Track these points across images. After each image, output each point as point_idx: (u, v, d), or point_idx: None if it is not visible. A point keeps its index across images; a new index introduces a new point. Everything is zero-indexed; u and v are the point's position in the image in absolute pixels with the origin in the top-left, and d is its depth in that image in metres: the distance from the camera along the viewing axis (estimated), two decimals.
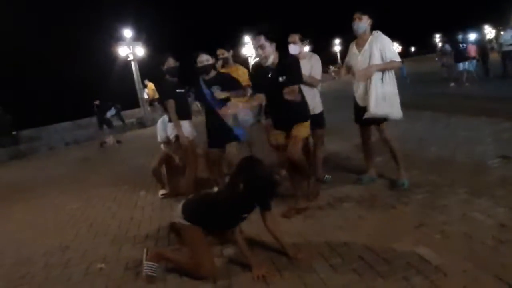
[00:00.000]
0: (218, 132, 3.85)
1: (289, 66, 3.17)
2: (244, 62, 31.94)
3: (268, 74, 3.21)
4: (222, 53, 4.53)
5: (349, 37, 3.78)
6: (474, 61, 12.31)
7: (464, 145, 4.69)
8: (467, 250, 2.32)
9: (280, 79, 3.13)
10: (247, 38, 32.34)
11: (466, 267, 2.14)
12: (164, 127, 4.49)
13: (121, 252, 3.21)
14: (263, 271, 2.42)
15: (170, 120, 4.13)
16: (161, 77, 4.12)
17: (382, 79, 3.45)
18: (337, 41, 49.64)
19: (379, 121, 3.55)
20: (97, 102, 11.81)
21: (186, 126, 4.08)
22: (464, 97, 9.28)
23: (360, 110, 3.63)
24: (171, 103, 3.95)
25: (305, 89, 3.57)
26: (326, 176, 4.16)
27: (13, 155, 12.39)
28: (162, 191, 4.64)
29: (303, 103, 3.34)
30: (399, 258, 2.36)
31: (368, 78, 3.44)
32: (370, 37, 3.50)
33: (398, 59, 3.50)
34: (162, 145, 4.68)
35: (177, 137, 4.08)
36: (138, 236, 3.51)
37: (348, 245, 2.63)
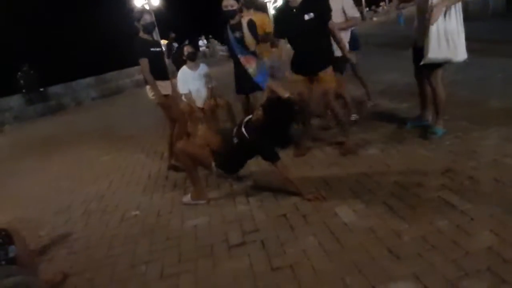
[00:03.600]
0: (242, 79, 3.90)
1: (315, 2, 3.01)
2: (262, 7, 30.54)
3: (294, 14, 3.08)
4: (231, 4, 4.05)
5: None
6: None
7: (497, 88, 4.43)
8: (496, 195, 2.29)
9: (306, 17, 3.00)
10: None
11: (493, 212, 2.13)
12: (184, 78, 4.47)
13: (153, 200, 3.39)
14: (312, 195, 2.70)
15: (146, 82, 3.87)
16: (135, 34, 3.80)
17: (445, 14, 2.93)
18: None
19: (435, 65, 3.17)
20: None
21: (163, 85, 3.84)
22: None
23: (417, 51, 3.24)
24: (144, 62, 3.69)
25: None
26: (353, 115, 4.17)
27: (42, 112, 12.85)
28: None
29: (328, 46, 3.21)
30: (425, 203, 2.36)
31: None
32: None
33: None
34: (183, 97, 4.66)
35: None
36: (167, 185, 3.67)
37: (372, 191, 2.65)
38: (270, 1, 31.06)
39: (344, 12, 3.76)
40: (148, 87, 3.83)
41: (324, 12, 3.09)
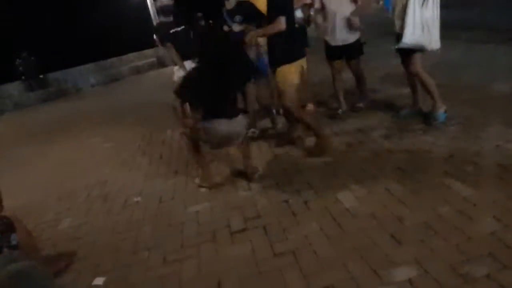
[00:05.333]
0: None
1: None
2: None
3: None
4: None
5: None
6: None
7: (500, 74, 4.37)
8: (499, 181, 2.28)
9: None
10: None
11: (496, 198, 2.12)
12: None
13: (155, 186, 3.40)
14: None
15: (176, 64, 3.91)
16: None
17: (423, 2, 3.01)
18: None
19: (411, 51, 3.23)
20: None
21: (189, 66, 3.82)
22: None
23: (398, 37, 3.25)
24: (169, 47, 3.74)
25: (337, 17, 3.56)
26: (358, 104, 4.14)
27: (42, 98, 12.77)
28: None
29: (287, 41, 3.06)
30: (427, 189, 2.36)
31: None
32: None
33: None
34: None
35: None
36: (168, 172, 3.67)
37: (374, 178, 2.65)
38: None
39: None
40: (175, 68, 3.91)
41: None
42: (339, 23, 3.72)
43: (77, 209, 3.28)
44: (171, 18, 3.85)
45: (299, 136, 3.58)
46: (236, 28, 3.62)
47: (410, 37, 3.08)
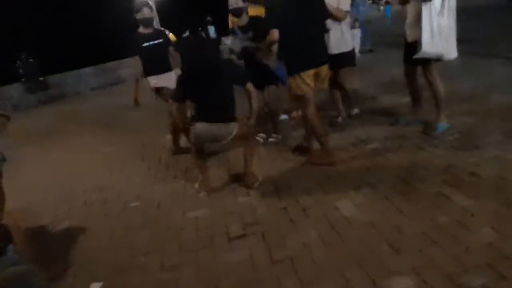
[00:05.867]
0: (258, 74, 3.62)
1: None
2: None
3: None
4: (236, 2, 3.84)
5: None
6: None
7: (499, 84, 4.40)
8: (497, 191, 2.29)
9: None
10: None
11: (495, 208, 2.13)
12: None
13: (153, 191, 3.39)
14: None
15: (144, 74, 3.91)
16: (136, 27, 3.78)
17: (441, 6, 2.89)
18: None
19: (428, 61, 3.14)
20: None
21: (161, 78, 3.86)
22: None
23: (409, 47, 3.20)
24: (136, 59, 3.74)
25: (333, 26, 3.41)
26: (355, 109, 4.17)
27: (42, 101, 12.77)
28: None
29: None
30: (426, 199, 2.37)
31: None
32: None
33: None
34: None
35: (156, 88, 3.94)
36: (167, 177, 3.67)
37: (373, 186, 2.66)
38: None
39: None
40: (148, 78, 3.90)
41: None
42: (333, 32, 3.65)
43: (75, 213, 3.27)
44: (150, 31, 3.82)
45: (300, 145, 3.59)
46: (247, 43, 3.67)
47: (429, 46, 2.97)
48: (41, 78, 13.44)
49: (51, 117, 9.70)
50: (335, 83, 3.98)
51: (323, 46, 3.17)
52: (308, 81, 3.00)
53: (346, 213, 2.40)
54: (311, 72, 2.99)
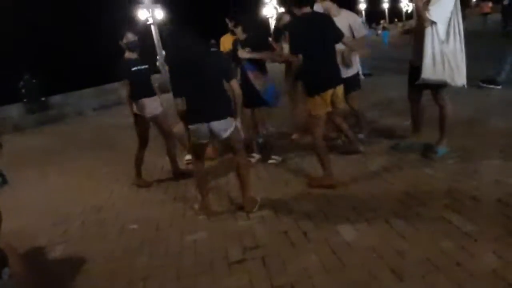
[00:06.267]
0: (248, 94, 3.69)
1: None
2: (265, 22, 30.98)
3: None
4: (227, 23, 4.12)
5: None
6: None
7: (497, 108, 4.46)
8: (499, 216, 2.28)
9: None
10: None
11: (497, 234, 2.11)
12: None
13: (152, 213, 3.35)
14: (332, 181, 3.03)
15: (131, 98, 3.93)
16: (122, 53, 3.89)
17: (446, 33, 2.92)
18: None
19: (435, 86, 3.15)
20: None
21: (148, 103, 3.93)
22: None
23: (414, 71, 3.22)
24: (124, 83, 3.82)
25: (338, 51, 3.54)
26: (361, 134, 4.16)
27: (43, 121, 12.81)
28: (187, 157, 4.72)
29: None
30: (427, 223, 2.35)
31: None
32: None
33: (432, 17, 2.87)
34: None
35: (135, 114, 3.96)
36: (166, 199, 3.64)
37: (374, 210, 2.64)
38: (272, 16, 31.58)
39: (351, 30, 3.70)
40: (133, 104, 3.93)
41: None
42: (339, 57, 3.76)
43: (72, 235, 3.22)
44: (136, 56, 3.92)
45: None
46: (243, 54, 3.76)
47: (429, 73, 3.00)
48: (42, 99, 13.57)
49: (50, 138, 9.72)
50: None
51: (338, 67, 3.30)
52: (328, 101, 3.12)
53: (347, 238, 2.37)
54: (330, 92, 3.12)
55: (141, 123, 3.97)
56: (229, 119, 2.85)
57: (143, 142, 4.10)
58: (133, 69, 3.83)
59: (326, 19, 3.15)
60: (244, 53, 3.74)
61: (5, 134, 11.72)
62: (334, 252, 2.25)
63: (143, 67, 3.92)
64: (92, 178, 4.90)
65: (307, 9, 3.05)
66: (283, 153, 4.20)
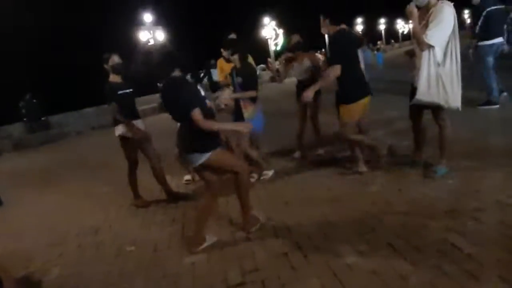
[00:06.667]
0: (237, 119, 4.00)
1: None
2: (263, 44, 31.55)
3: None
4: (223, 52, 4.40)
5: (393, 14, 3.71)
6: None
7: (497, 128, 4.48)
8: (502, 238, 2.24)
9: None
10: (266, 20, 31.82)
11: (500, 256, 2.07)
12: None
13: (150, 234, 3.31)
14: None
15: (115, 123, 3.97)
16: (107, 77, 3.91)
17: (443, 57, 2.97)
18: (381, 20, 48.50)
19: (433, 107, 3.19)
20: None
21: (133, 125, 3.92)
22: None
23: (413, 90, 3.23)
24: (112, 106, 3.81)
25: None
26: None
27: (43, 140, 12.85)
28: (187, 177, 4.70)
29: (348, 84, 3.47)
30: (430, 245, 2.31)
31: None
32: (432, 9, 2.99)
33: (431, 41, 2.93)
34: None
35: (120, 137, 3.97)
36: (165, 220, 3.59)
37: (375, 231, 2.60)
38: (271, 37, 32.17)
39: None
40: (116, 127, 3.94)
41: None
42: None
43: (67, 257, 3.16)
44: (120, 79, 3.94)
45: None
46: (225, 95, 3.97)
47: (423, 94, 3.06)
48: (43, 118, 13.65)
49: (49, 157, 9.71)
50: None
51: None
52: (364, 107, 3.56)
53: (348, 260, 2.32)
54: (368, 98, 3.55)
55: (129, 145, 3.96)
56: (196, 154, 2.69)
57: (133, 164, 4.08)
58: (120, 92, 3.83)
59: (354, 34, 3.74)
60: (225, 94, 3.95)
61: (5, 153, 11.72)
62: (335, 275, 2.20)
63: (128, 90, 3.94)
64: (89, 198, 4.86)
65: (344, 25, 3.48)
66: (285, 173, 4.20)
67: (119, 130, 3.91)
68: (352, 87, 3.46)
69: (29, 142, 12.67)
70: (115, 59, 3.89)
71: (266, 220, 3.06)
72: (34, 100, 13.31)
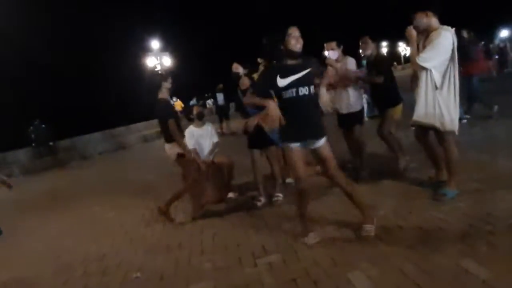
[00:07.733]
0: (256, 135, 4.01)
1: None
2: None
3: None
4: (236, 67, 4.42)
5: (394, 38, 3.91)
6: None
7: (505, 148, 4.44)
8: None
9: None
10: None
11: None
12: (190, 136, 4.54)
13: (156, 261, 3.26)
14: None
15: (167, 141, 4.11)
16: (155, 93, 4.07)
17: (441, 81, 3.07)
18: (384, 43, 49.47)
19: (433, 128, 3.25)
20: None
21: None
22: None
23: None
24: (172, 123, 3.92)
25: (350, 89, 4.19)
26: (363, 172, 4.33)
27: (50, 165, 12.94)
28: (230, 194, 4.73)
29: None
30: (443, 271, 2.24)
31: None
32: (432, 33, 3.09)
33: (423, 63, 3.04)
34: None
35: (178, 154, 4.09)
36: (171, 245, 3.55)
37: (386, 256, 2.54)
38: None
39: None
40: (167, 145, 4.10)
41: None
42: (344, 94, 4.23)
43: (73, 285, 3.11)
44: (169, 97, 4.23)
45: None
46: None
47: (420, 116, 3.18)
48: (51, 143, 13.80)
49: (56, 182, 9.75)
50: (350, 140, 4.48)
51: None
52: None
53: (359, 286, 2.26)
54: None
55: (186, 161, 4.09)
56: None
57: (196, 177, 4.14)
58: (174, 110, 4.09)
59: None
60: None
61: (13, 177, 11.80)
62: None
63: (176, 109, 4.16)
64: (96, 223, 4.84)
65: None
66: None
67: (175, 148, 4.04)
68: (395, 93, 4.23)
69: (36, 167, 12.76)
70: (171, 81, 4.09)
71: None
72: (43, 125, 13.52)
